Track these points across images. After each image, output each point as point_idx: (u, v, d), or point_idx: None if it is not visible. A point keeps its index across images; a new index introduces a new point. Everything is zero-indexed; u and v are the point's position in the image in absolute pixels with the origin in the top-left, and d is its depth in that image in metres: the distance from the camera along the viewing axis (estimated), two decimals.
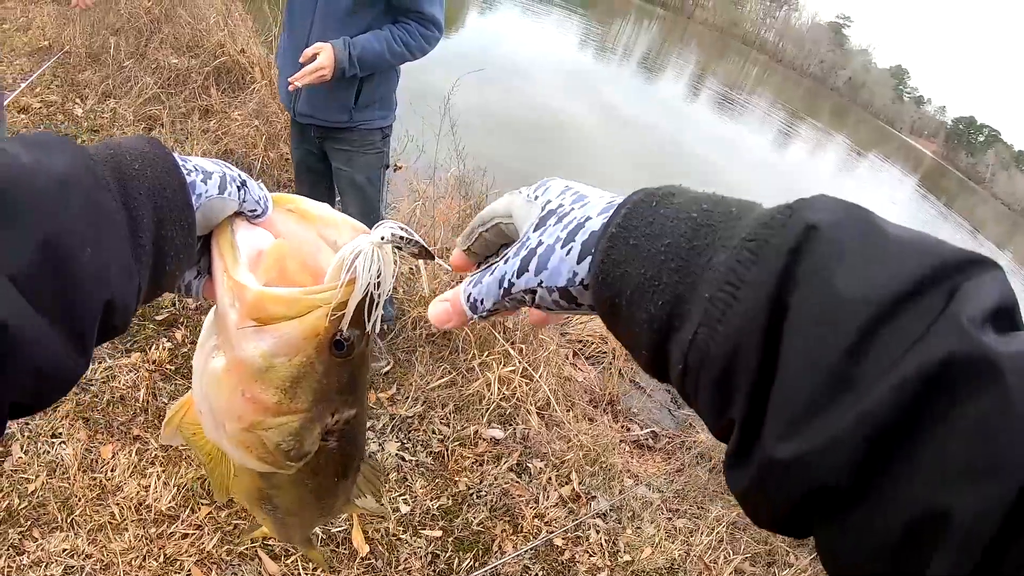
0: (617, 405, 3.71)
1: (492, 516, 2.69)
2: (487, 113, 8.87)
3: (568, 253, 0.49)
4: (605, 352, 4.12)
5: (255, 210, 0.63)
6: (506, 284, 0.53)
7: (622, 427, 3.58)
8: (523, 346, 3.39)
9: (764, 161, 16.10)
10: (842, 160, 25.88)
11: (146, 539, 2.24)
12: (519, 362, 3.25)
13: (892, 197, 25.50)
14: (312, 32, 2.42)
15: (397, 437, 2.85)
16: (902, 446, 0.33)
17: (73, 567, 2.12)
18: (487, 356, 3.29)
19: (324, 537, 2.39)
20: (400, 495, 2.63)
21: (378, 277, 0.60)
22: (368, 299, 0.61)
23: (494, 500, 2.73)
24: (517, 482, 2.85)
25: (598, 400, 3.67)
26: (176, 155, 0.57)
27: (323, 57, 2.32)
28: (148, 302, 0.57)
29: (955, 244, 0.37)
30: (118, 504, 2.31)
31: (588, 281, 0.48)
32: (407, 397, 3.04)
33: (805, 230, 0.38)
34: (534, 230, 0.53)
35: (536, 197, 0.56)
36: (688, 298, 0.42)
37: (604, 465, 3.08)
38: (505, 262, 0.53)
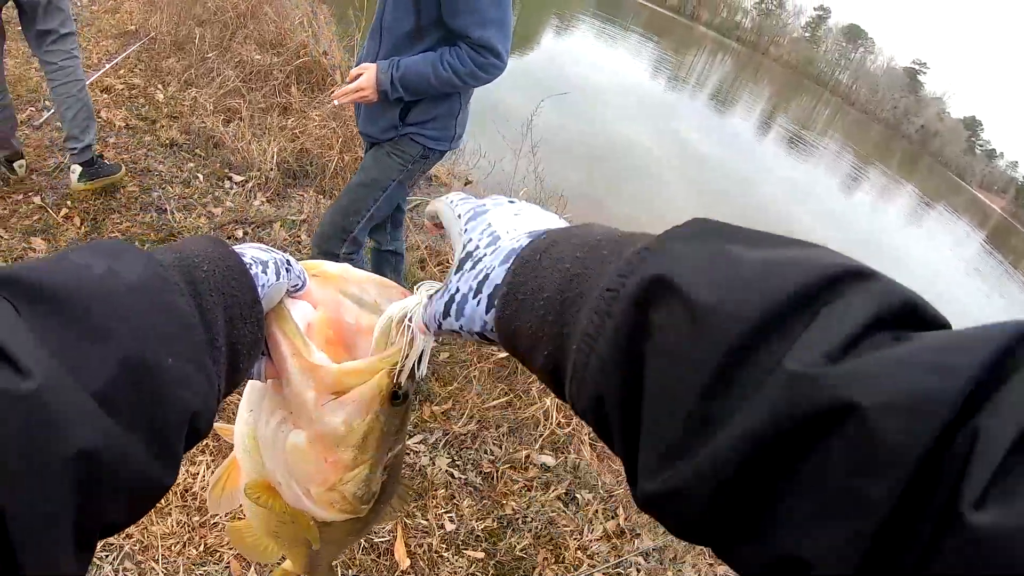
0: None
1: (536, 543, 2.63)
2: (559, 135, 8.87)
3: (478, 304, 0.53)
4: None
5: (296, 285, 0.67)
6: (436, 323, 0.58)
7: None
8: None
9: (831, 205, 15.77)
10: (910, 208, 25.28)
11: (188, 526, 2.24)
12: None
13: (959, 254, 24.80)
14: (380, 51, 2.40)
15: (448, 453, 2.82)
16: (756, 486, 0.33)
17: (112, 544, 2.13)
18: None
19: (367, 546, 2.37)
20: (446, 512, 2.59)
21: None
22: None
23: (539, 527, 2.67)
24: (564, 512, 2.79)
25: None
26: (236, 249, 0.59)
27: (364, 78, 2.31)
28: (224, 399, 0.57)
29: (824, 252, 0.37)
30: None
31: (493, 332, 0.53)
32: (462, 414, 3.00)
33: (650, 280, 0.38)
34: (455, 273, 0.56)
35: (465, 230, 0.59)
36: (564, 349, 0.45)
37: None
38: (436, 302, 0.58)
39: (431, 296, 0.61)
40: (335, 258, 2.62)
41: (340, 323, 0.72)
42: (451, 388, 3.13)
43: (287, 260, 0.64)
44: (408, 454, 2.74)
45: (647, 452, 0.38)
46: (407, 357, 0.66)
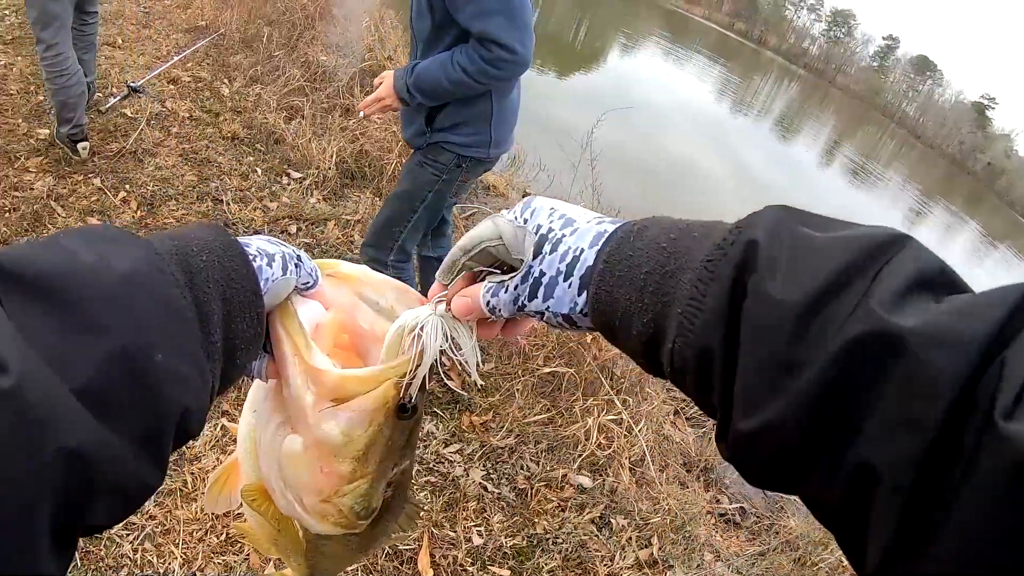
0: (711, 473, 3.51)
1: (564, 566, 2.56)
2: (620, 152, 8.80)
3: (570, 286, 0.57)
4: (707, 417, 3.93)
5: (307, 283, 0.65)
6: (520, 304, 0.60)
7: (712, 498, 3.37)
8: (628, 397, 3.25)
9: None
10: (973, 246, 24.50)
11: (212, 514, 2.23)
12: (624, 414, 3.11)
13: None
14: (416, 54, 2.37)
15: (484, 466, 2.76)
16: (835, 412, 0.39)
17: (134, 524, 2.13)
18: (591, 401, 3.17)
19: (390, 551, 2.33)
20: (475, 525, 2.53)
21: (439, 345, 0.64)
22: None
23: (569, 550, 2.60)
24: (596, 536, 2.71)
25: (692, 465, 3.49)
26: (240, 240, 0.57)
27: (383, 87, 2.28)
28: (219, 396, 0.56)
29: (876, 227, 0.45)
30: (192, 473, 2.31)
31: (587, 310, 0.57)
32: (501, 427, 2.95)
33: (747, 246, 0.45)
34: (534, 258, 0.59)
35: (525, 220, 0.62)
36: (666, 314, 0.50)
37: (687, 535, 2.91)
38: (515, 286, 0.59)
39: (498, 283, 0.61)
40: (383, 267, 2.60)
41: (354, 327, 0.70)
42: (492, 400, 3.08)
43: (297, 255, 0.63)
44: (442, 463, 2.70)
45: (744, 394, 0.44)
46: (417, 368, 0.63)
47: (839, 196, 17.44)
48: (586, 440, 3.00)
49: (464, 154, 2.45)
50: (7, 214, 3.20)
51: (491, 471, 2.76)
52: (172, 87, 5.13)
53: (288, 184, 4.32)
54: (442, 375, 0.72)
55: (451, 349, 0.65)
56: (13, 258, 0.40)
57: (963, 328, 0.36)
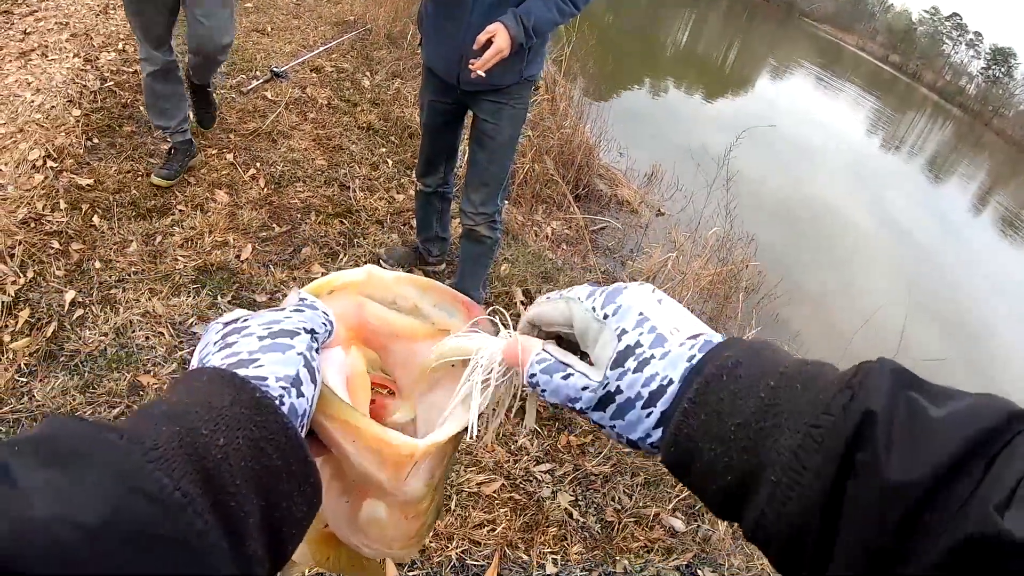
0: None
1: None
2: (758, 181, 8.51)
3: (648, 416, 0.50)
4: None
5: (325, 339, 0.55)
6: (576, 406, 0.53)
7: None
8: None
9: None
10: None
11: None
12: None
13: None
14: (476, 3, 2.29)
15: (573, 491, 2.64)
16: None
17: None
18: None
19: (458, 565, 2.24)
20: (552, 552, 2.40)
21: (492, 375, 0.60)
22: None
23: None
24: None
25: None
26: (256, 381, 0.44)
27: (500, 40, 2.20)
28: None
29: (988, 401, 0.40)
30: None
31: (660, 447, 0.50)
32: (599, 453, 2.82)
33: (863, 418, 0.40)
34: (612, 368, 0.51)
35: (606, 316, 0.54)
36: (757, 477, 0.44)
37: None
38: (582, 388, 0.52)
39: (555, 362, 0.54)
40: (495, 221, 2.78)
41: (367, 329, 0.65)
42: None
43: (311, 330, 0.52)
44: (530, 480, 2.59)
45: None
46: (488, 411, 0.61)
47: (989, 248, 16.27)
48: None
49: (539, 76, 2.59)
50: (140, 178, 3.32)
51: (580, 497, 2.63)
52: (314, 75, 5.28)
53: None
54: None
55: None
56: None
57: None
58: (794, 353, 0.48)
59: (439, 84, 2.61)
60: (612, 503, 2.67)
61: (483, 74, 2.25)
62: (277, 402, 0.43)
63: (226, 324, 0.50)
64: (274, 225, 3.37)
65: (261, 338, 0.48)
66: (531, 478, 2.60)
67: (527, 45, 2.28)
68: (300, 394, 0.46)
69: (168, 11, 2.94)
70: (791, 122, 15.93)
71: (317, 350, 0.52)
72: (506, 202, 4.48)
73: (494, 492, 2.47)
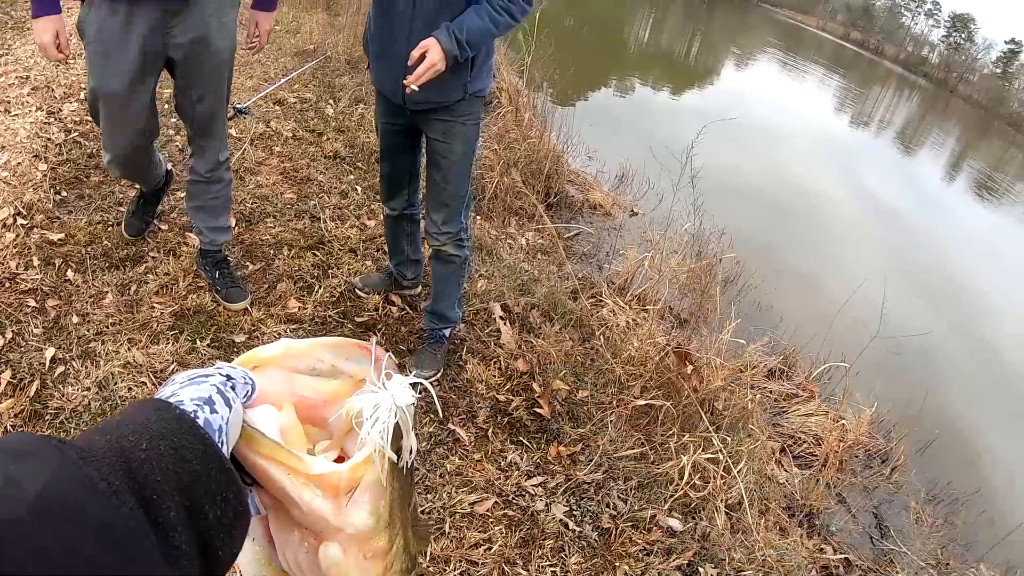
0: (815, 519, 3.27)
1: None
2: (729, 172, 8.55)
3: None
4: (816, 456, 3.68)
5: (247, 392, 0.60)
6: None
7: (815, 546, 3.13)
8: (728, 434, 3.06)
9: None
10: None
11: None
12: (721, 452, 2.92)
13: None
14: (415, 15, 2.28)
15: (567, 501, 2.64)
16: None
17: None
18: (687, 437, 3.00)
19: None
20: (551, 565, 2.40)
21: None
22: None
23: None
24: None
25: (796, 509, 3.25)
26: (172, 401, 0.50)
27: (432, 54, 2.18)
28: None
29: None
30: None
31: None
32: (590, 460, 2.82)
33: None
34: None
35: None
36: None
37: None
38: None
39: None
40: (462, 240, 2.78)
41: (300, 403, 0.68)
42: (583, 430, 2.95)
43: (226, 375, 0.57)
44: (523, 495, 2.59)
45: None
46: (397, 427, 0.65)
47: (968, 215, 16.41)
48: (680, 479, 2.83)
49: (488, 91, 2.57)
50: (111, 228, 3.31)
51: (574, 507, 2.63)
52: (278, 108, 5.27)
53: None
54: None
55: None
56: None
57: None
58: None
59: (388, 105, 2.61)
60: (607, 509, 2.67)
61: (416, 88, 2.23)
62: (192, 415, 0.49)
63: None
64: (247, 263, 3.36)
65: (182, 382, 0.54)
66: (523, 493, 2.60)
67: (461, 58, 2.25)
68: (213, 411, 0.51)
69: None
70: (761, 108, 16.02)
71: (234, 388, 0.56)
72: (478, 217, 4.49)
73: (487, 511, 2.46)
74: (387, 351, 0.70)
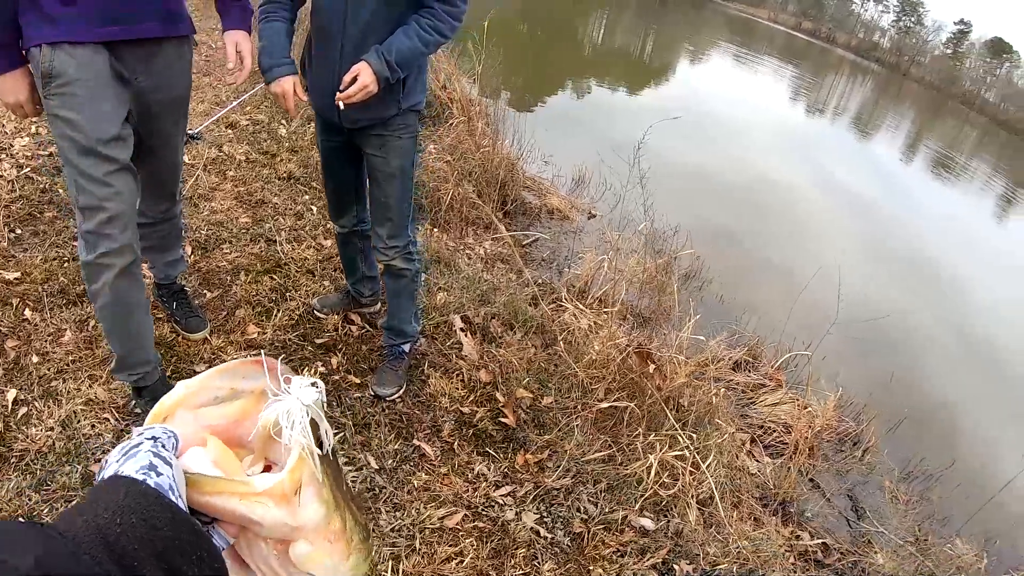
0: (790, 507, 3.29)
1: None
2: (688, 168, 8.61)
3: None
4: (786, 444, 3.70)
5: (174, 445, 0.65)
6: None
7: (791, 533, 3.15)
8: (694, 431, 3.07)
9: (985, 239, 14.55)
10: None
11: None
12: (688, 449, 2.93)
13: None
14: (345, 36, 2.30)
15: (537, 508, 2.63)
16: None
17: None
18: (653, 436, 3.00)
19: None
20: (523, 574, 2.39)
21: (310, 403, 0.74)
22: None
23: None
24: None
25: (769, 498, 3.27)
26: (136, 477, 0.55)
27: (364, 77, 2.22)
28: None
29: None
30: None
31: None
32: (558, 466, 2.81)
33: None
34: None
35: None
36: None
37: None
38: None
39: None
40: (411, 252, 2.78)
41: (216, 431, 0.75)
42: (549, 436, 2.95)
43: (151, 437, 0.62)
44: (492, 506, 2.58)
45: None
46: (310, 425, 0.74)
47: (927, 194, 16.68)
48: (649, 478, 2.84)
49: (422, 104, 2.57)
50: (67, 264, 3.25)
51: (545, 514, 2.62)
52: (230, 131, 5.23)
53: None
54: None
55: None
56: None
57: None
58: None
59: (326, 123, 2.62)
60: (578, 514, 2.66)
61: (342, 105, 2.26)
62: (160, 492, 0.54)
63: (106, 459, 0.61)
64: (205, 291, 3.32)
65: (118, 459, 0.59)
66: (492, 503, 2.59)
67: (392, 79, 2.28)
68: (159, 474, 0.56)
69: None
70: (717, 103, 16.18)
71: (164, 445, 0.62)
72: (435, 229, 4.48)
73: (457, 524, 2.45)
74: (277, 358, 0.78)
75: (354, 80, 2.23)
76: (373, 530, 2.33)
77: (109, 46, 2.07)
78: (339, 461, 0.85)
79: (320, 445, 0.75)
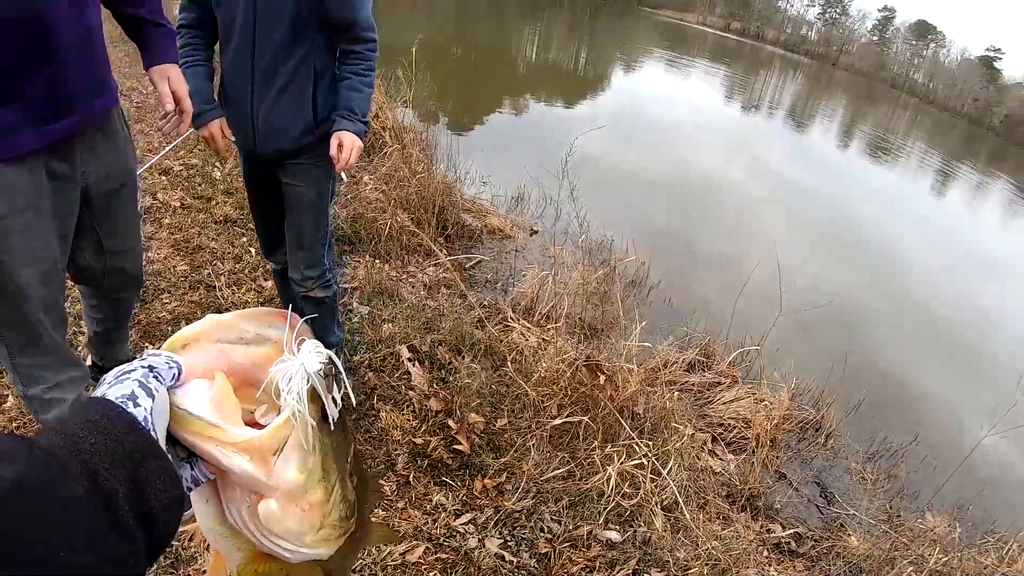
0: (757, 501, 3.29)
1: None
2: (629, 172, 8.67)
3: None
4: (748, 439, 3.71)
5: (174, 375, 0.65)
6: None
7: (761, 527, 3.15)
8: (652, 437, 3.05)
9: (926, 215, 14.92)
10: (1007, 200, 23.60)
11: None
12: (646, 457, 2.91)
13: None
14: (255, 71, 2.32)
15: (500, 533, 2.59)
16: None
17: None
18: (609, 448, 2.98)
19: None
20: None
21: (322, 365, 0.73)
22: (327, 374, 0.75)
23: None
24: None
25: (736, 495, 3.27)
26: (108, 399, 0.58)
27: (347, 141, 2.30)
28: (161, 553, 0.57)
29: None
30: (188, 575, 2.17)
31: None
32: (517, 488, 2.77)
33: None
34: None
35: None
36: None
37: None
38: None
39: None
40: (327, 282, 2.77)
41: (235, 370, 0.73)
42: (506, 459, 2.91)
43: (147, 366, 0.63)
44: (453, 536, 2.53)
45: None
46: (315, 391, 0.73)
47: (867, 176, 17.08)
48: (610, 490, 2.81)
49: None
50: None
51: (508, 538, 2.58)
52: (164, 178, 5.12)
53: None
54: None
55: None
56: None
57: None
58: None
59: (248, 158, 2.63)
60: (542, 534, 2.63)
61: (345, 177, 2.45)
62: (125, 411, 0.56)
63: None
64: (146, 344, 3.23)
65: (109, 382, 0.61)
66: (454, 533, 2.54)
67: (367, 128, 2.39)
68: (136, 404, 0.58)
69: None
70: (654, 108, 16.41)
71: (158, 376, 0.62)
72: (376, 260, 4.43)
73: (419, 558, 2.39)
74: (301, 316, 0.77)
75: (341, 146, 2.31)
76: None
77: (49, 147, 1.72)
78: (347, 432, 0.85)
79: (324, 417, 0.75)
